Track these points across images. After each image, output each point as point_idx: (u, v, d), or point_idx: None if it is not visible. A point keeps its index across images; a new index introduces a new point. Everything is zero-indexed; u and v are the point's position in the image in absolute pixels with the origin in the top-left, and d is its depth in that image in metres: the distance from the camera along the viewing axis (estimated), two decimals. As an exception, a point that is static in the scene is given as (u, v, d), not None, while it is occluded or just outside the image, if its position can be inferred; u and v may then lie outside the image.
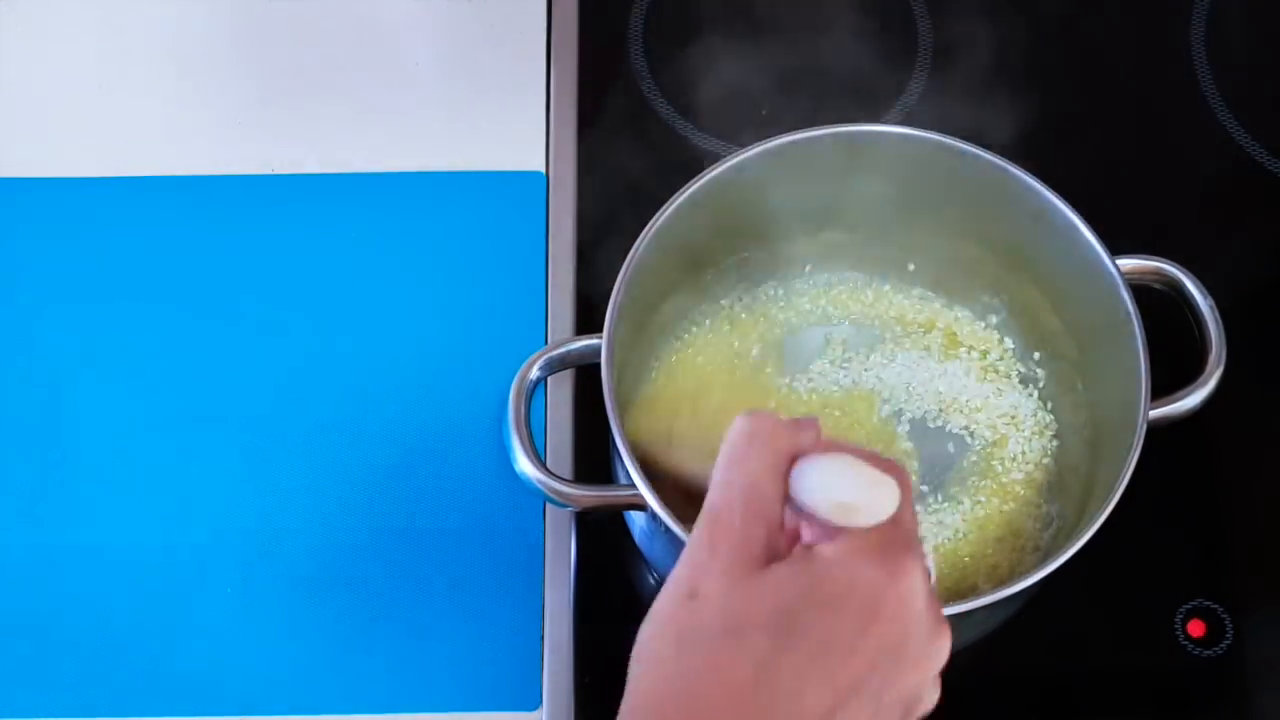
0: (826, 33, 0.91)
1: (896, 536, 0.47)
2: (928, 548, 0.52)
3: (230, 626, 0.75)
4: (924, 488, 0.73)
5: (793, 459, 0.48)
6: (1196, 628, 0.74)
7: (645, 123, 0.87)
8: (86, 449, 0.78)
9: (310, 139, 0.87)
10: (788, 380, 0.76)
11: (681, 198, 0.69)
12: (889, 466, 0.48)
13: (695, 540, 0.47)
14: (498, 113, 0.88)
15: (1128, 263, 0.69)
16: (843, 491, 0.47)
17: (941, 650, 0.49)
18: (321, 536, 0.76)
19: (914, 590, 0.47)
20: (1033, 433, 0.74)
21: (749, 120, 0.85)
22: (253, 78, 0.89)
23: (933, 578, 0.49)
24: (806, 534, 0.48)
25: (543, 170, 0.86)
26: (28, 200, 0.85)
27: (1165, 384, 0.67)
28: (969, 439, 0.74)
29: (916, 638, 0.47)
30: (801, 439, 0.48)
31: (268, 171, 0.86)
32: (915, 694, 0.48)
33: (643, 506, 0.65)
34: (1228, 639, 0.74)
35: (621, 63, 0.89)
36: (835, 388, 0.76)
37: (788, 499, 0.48)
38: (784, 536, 0.48)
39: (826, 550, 0.47)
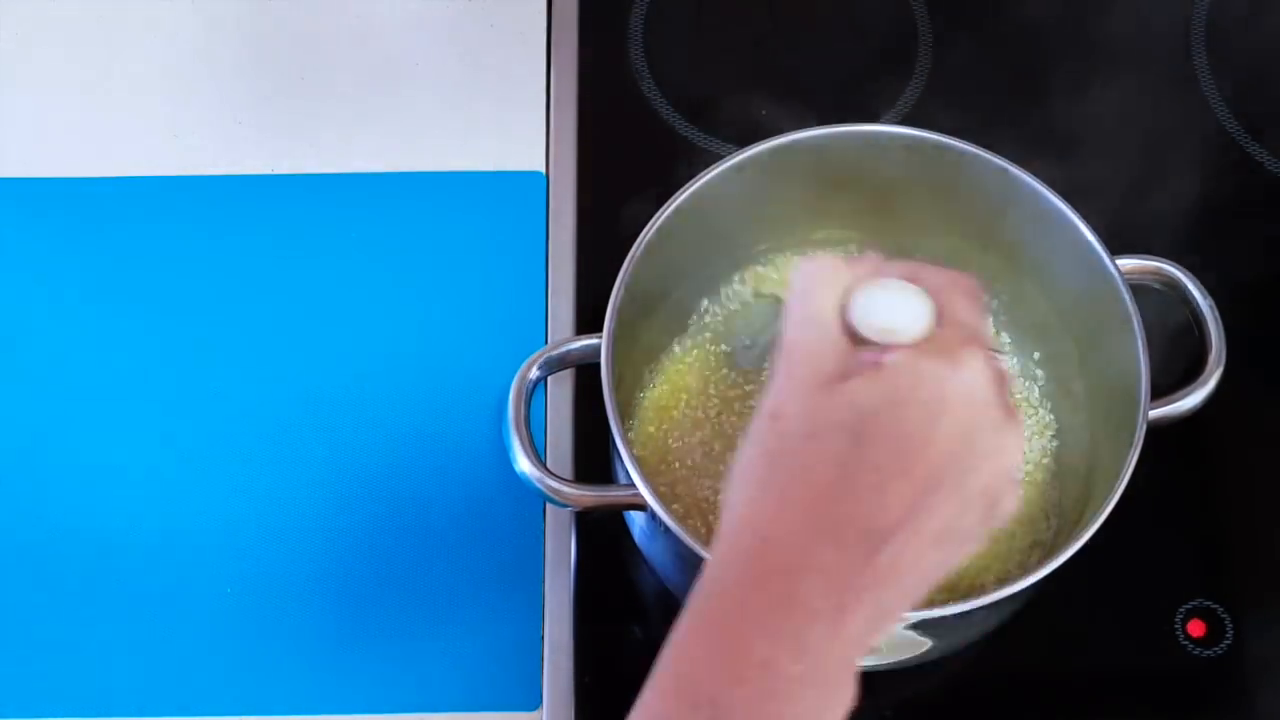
0: (826, 33, 0.91)
1: (955, 335, 0.49)
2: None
3: (229, 626, 0.75)
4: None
5: (849, 291, 0.51)
6: (1196, 628, 0.74)
7: (645, 123, 0.87)
8: (85, 448, 0.78)
9: (311, 139, 0.87)
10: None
11: (681, 197, 0.69)
12: (943, 278, 0.51)
13: (774, 373, 0.51)
14: (498, 113, 0.88)
15: (1127, 262, 0.69)
16: (879, 316, 0.50)
17: (1013, 440, 0.50)
18: (321, 536, 0.76)
19: (976, 379, 0.49)
20: (1033, 433, 0.74)
21: (749, 120, 0.85)
22: (253, 78, 0.89)
23: (1007, 373, 0.51)
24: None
25: (543, 170, 0.86)
26: (28, 200, 0.85)
27: (1165, 384, 0.67)
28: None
29: (985, 426, 0.49)
30: (857, 271, 0.51)
31: (268, 171, 0.86)
32: (995, 485, 0.49)
33: (643, 506, 0.65)
34: (1228, 639, 0.74)
35: (621, 63, 0.89)
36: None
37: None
38: (855, 359, 0.50)
39: (895, 356, 0.49)
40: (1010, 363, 0.76)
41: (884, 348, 0.49)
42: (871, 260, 0.53)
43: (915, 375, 0.48)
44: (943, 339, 0.49)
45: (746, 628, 0.47)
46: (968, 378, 0.49)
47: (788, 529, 0.48)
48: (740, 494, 0.50)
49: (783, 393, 0.50)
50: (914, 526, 0.47)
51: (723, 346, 0.76)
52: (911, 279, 0.51)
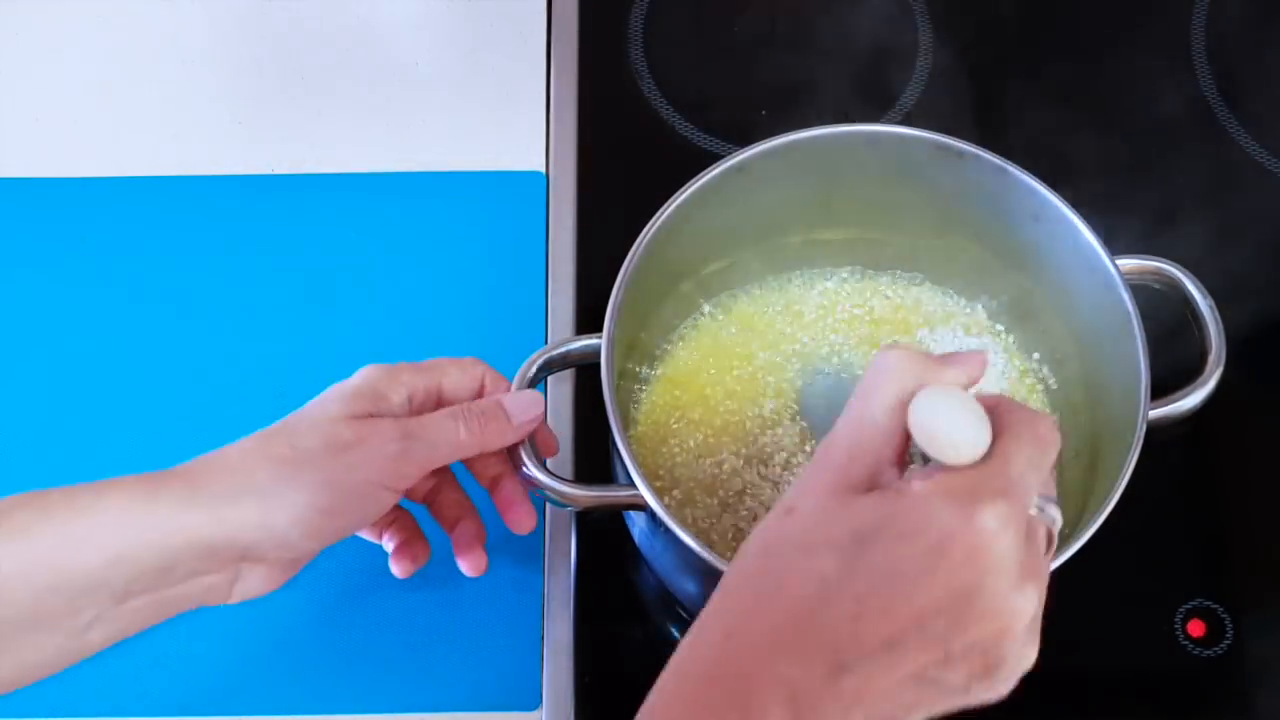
0: (826, 33, 0.91)
1: (988, 482, 0.47)
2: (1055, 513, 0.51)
3: (228, 627, 0.74)
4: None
5: (918, 390, 0.49)
6: (1196, 628, 0.74)
7: (645, 123, 0.87)
8: (86, 448, 0.78)
9: (310, 139, 0.87)
10: (788, 375, 0.75)
11: (681, 197, 0.69)
12: (1022, 416, 0.49)
13: (811, 463, 0.50)
14: (498, 113, 0.88)
15: (1127, 262, 0.69)
16: (935, 422, 0.47)
17: (1025, 604, 0.47)
18: (321, 537, 0.76)
19: (990, 538, 0.46)
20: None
21: (749, 120, 0.85)
22: (253, 78, 0.89)
23: (1054, 536, 0.49)
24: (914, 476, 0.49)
25: (543, 170, 0.86)
26: (28, 200, 0.85)
27: (1165, 384, 0.67)
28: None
29: (991, 589, 0.46)
30: (933, 373, 0.49)
31: (268, 172, 0.86)
32: (995, 649, 0.47)
33: (643, 506, 0.65)
34: (1228, 639, 0.74)
35: (621, 63, 0.89)
36: (836, 384, 0.75)
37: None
38: (894, 472, 0.49)
39: (915, 485, 0.47)
40: (1010, 363, 0.76)
41: (929, 470, 0.47)
42: (962, 366, 0.50)
43: (925, 516, 0.46)
44: (970, 482, 0.47)
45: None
46: (978, 535, 0.46)
47: (755, 633, 0.47)
48: (730, 578, 0.49)
49: (803, 488, 0.49)
50: (886, 664, 0.46)
51: (722, 344, 0.76)
52: (990, 406, 0.49)
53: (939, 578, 0.46)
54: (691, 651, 0.48)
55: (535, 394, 0.66)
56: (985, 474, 0.47)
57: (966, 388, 0.50)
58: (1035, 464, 0.48)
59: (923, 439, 0.48)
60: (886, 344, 0.50)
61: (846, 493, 0.48)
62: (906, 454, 0.49)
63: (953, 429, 0.47)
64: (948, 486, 0.47)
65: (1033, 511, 0.49)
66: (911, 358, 0.49)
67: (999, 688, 0.48)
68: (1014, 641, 0.48)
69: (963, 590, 0.46)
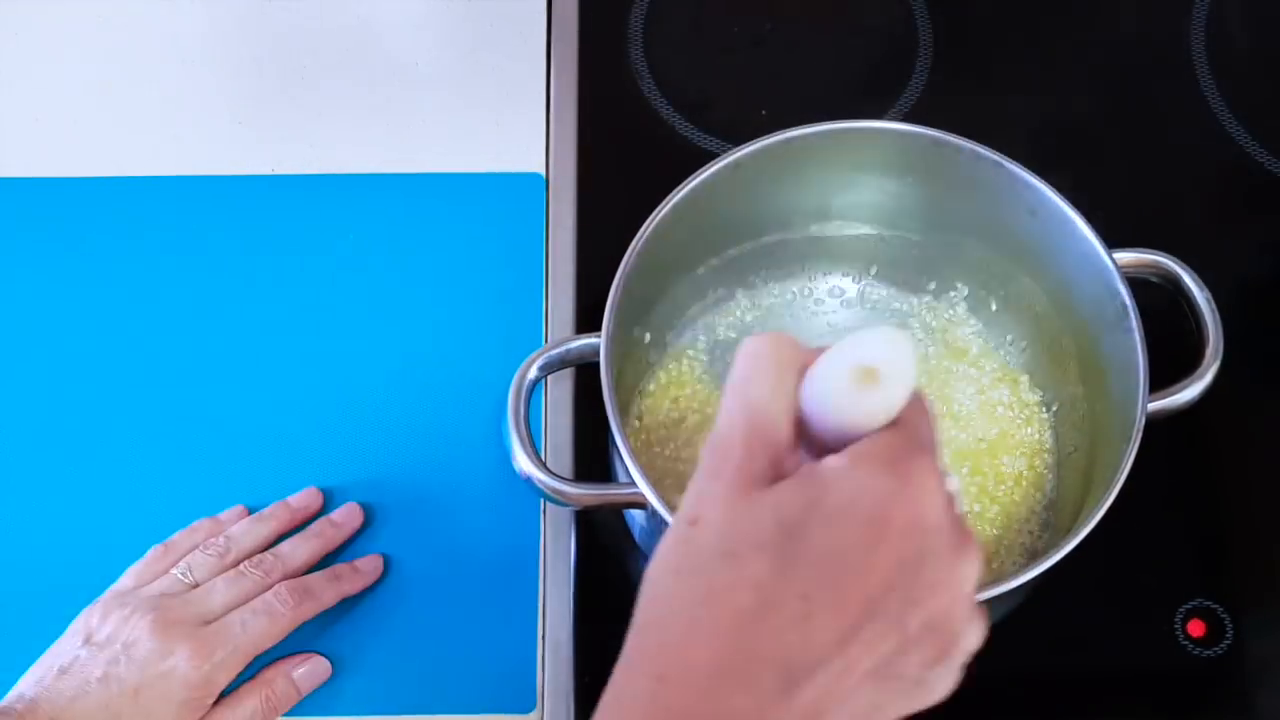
0: (826, 32, 0.91)
1: (905, 441, 0.43)
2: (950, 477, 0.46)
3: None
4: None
5: (802, 373, 0.45)
6: (1196, 628, 0.74)
7: (645, 123, 0.87)
8: (87, 448, 0.78)
9: (311, 139, 0.87)
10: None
11: (679, 196, 0.69)
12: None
13: (699, 470, 0.44)
14: (498, 113, 0.88)
15: (1125, 256, 0.69)
16: (844, 392, 0.43)
17: (968, 570, 0.44)
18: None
19: (928, 498, 0.43)
20: (1030, 427, 0.74)
21: (748, 120, 0.85)
22: (253, 78, 0.89)
23: (956, 494, 0.45)
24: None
25: (543, 170, 0.86)
26: (28, 200, 0.85)
27: (1163, 378, 0.67)
28: (966, 433, 0.74)
29: (936, 554, 0.43)
30: (809, 352, 0.45)
31: (268, 172, 0.86)
32: (948, 624, 0.43)
33: (643, 505, 0.65)
34: (1228, 639, 0.74)
35: (621, 63, 0.89)
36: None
37: (800, 420, 0.45)
38: (795, 459, 0.44)
39: (830, 462, 0.43)
40: (1008, 356, 0.76)
41: (835, 437, 0.43)
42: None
43: (855, 489, 0.42)
44: (890, 446, 0.43)
45: None
46: (916, 497, 0.42)
47: (690, 667, 0.41)
48: (645, 615, 0.43)
49: (703, 495, 0.43)
50: (843, 663, 0.41)
51: (722, 342, 0.76)
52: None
53: (884, 551, 0.42)
54: (619, 702, 0.43)
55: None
56: (901, 436, 0.43)
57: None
58: (932, 426, 0.45)
59: (827, 414, 0.43)
60: (754, 333, 0.46)
61: (754, 487, 0.43)
62: (799, 439, 0.45)
63: (866, 395, 0.43)
64: (868, 454, 0.42)
65: None
66: (783, 338, 0.45)
67: (950, 676, 0.45)
68: (962, 616, 0.44)
69: (910, 560, 0.42)
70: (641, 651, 0.43)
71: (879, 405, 0.43)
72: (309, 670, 0.71)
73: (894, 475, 0.42)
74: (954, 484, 0.46)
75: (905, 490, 0.42)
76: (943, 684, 0.45)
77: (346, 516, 0.73)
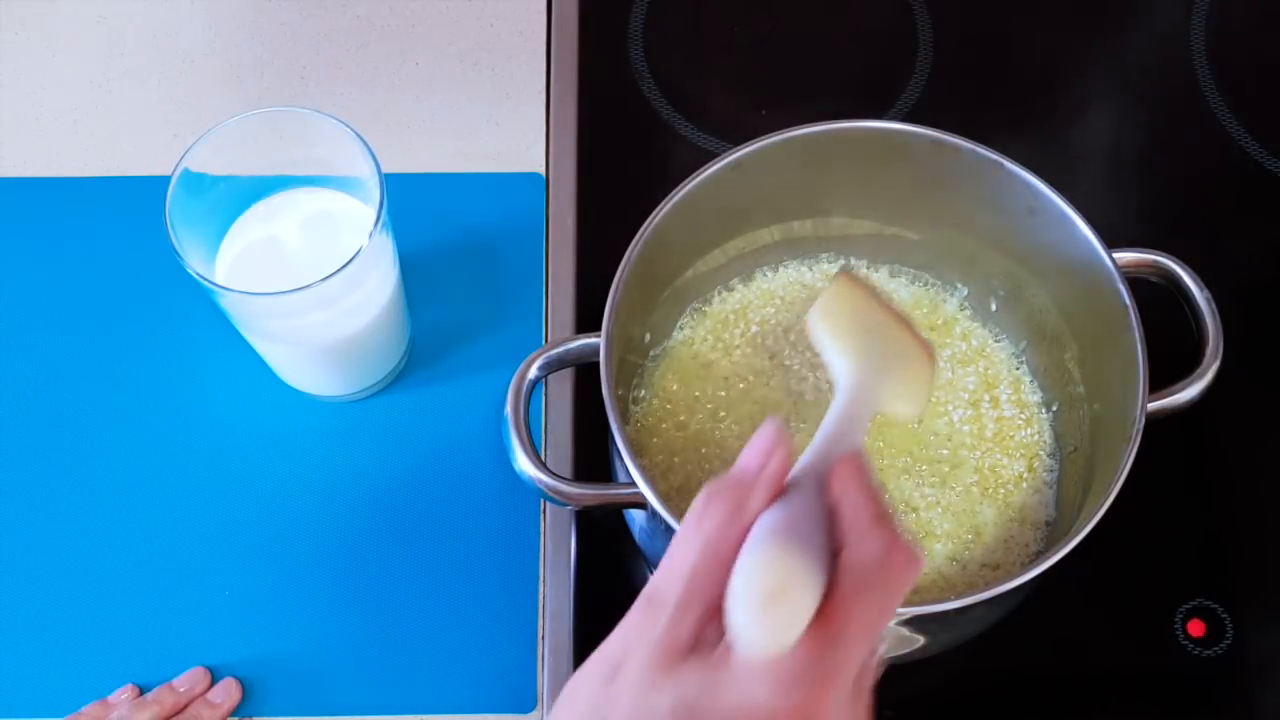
0: (826, 32, 0.91)
1: (811, 665, 0.44)
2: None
3: (228, 628, 0.75)
4: (920, 484, 0.73)
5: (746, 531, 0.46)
6: (1196, 628, 0.74)
7: (645, 123, 0.87)
8: (86, 447, 0.78)
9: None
10: (786, 370, 0.75)
11: (679, 195, 0.69)
12: (869, 550, 0.45)
13: (631, 616, 0.47)
14: (498, 113, 0.88)
15: (1124, 255, 0.69)
16: (743, 610, 0.44)
17: None
18: (319, 538, 0.76)
19: (814, 712, 0.44)
20: (1030, 427, 0.74)
21: (748, 119, 0.85)
22: (253, 78, 0.89)
23: (876, 660, 0.46)
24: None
25: (542, 171, 0.86)
26: (28, 200, 0.85)
27: (1163, 378, 0.67)
28: (965, 432, 0.74)
29: None
30: (750, 510, 0.46)
31: (268, 173, 0.85)
32: None
33: (643, 504, 0.65)
34: (1228, 639, 0.74)
35: (621, 63, 0.89)
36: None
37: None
38: (718, 626, 0.46)
39: (738, 658, 0.45)
40: (1007, 356, 0.76)
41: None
42: (778, 464, 0.47)
43: (746, 698, 0.44)
44: (795, 662, 0.44)
45: None
46: (802, 710, 0.44)
47: None
48: None
49: (628, 649, 0.46)
50: None
51: (723, 340, 0.76)
52: (842, 530, 0.45)
53: None
54: None
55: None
56: (810, 654, 0.44)
57: (774, 495, 0.47)
58: (875, 623, 0.46)
59: (734, 625, 0.44)
60: (709, 482, 0.47)
61: (672, 659, 0.45)
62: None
63: (758, 626, 0.44)
64: (772, 669, 0.44)
65: None
66: (728, 496, 0.47)
67: None
68: None
69: None
70: None
71: (779, 628, 0.44)
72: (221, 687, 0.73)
73: (785, 698, 0.44)
74: (879, 652, 0.47)
75: (792, 709, 0.44)
76: None
77: (225, 694, 0.73)
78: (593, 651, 0.70)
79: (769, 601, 0.44)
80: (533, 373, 0.68)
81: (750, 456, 0.48)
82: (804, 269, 0.78)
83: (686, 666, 0.45)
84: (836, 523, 0.47)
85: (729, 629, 0.45)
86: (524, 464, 0.66)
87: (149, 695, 0.72)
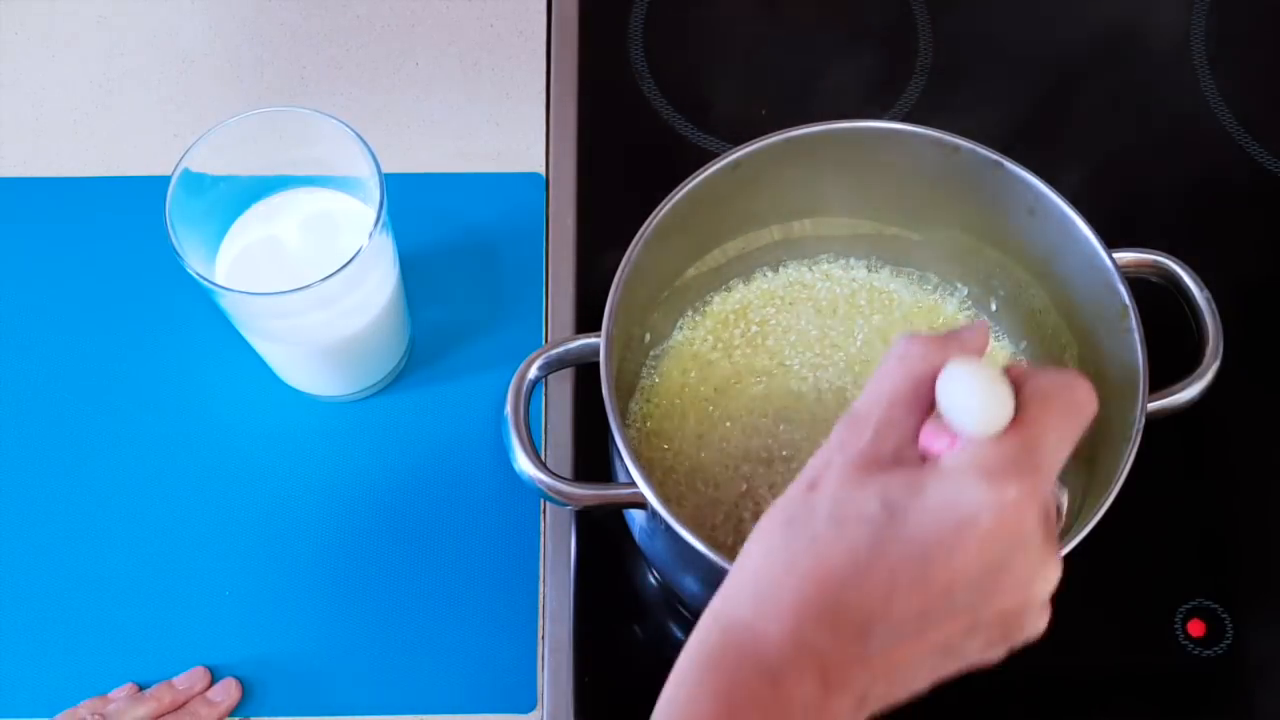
0: (826, 32, 0.91)
1: (1015, 458, 0.47)
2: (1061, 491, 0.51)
3: (228, 628, 0.75)
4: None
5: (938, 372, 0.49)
6: (1196, 628, 0.74)
7: (645, 123, 0.87)
8: (87, 449, 0.79)
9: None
10: (787, 370, 0.75)
11: (679, 195, 0.69)
12: (1052, 384, 0.48)
13: (831, 439, 0.49)
14: (498, 113, 0.88)
15: (1124, 255, 0.69)
16: (960, 396, 0.47)
17: (1047, 580, 0.49)
18: (319, 538, 0.76)
19: (1019, 516, 0.46)
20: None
21: (748, 119, 0.85)
22: (252, 78, 0.89)
23: (1062, 512, 0.49)
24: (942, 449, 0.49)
25: (542, 171, 0.86)
26: (28, 200, 0.85)
27: (1163, 377, 0.67)
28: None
29: (1021, 561, 0.47)
30: (950, 351, 0.49)
31: (268, 173, 0.85)
32: (1017, 619, 0.48)
33: (643, 504, 0.65)
34: (1228, 639, 0.74)
35: (621, 63, 0.89)
36: (832, 377, 0.75)
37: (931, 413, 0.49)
38: (914, 451, 0.49)
39: (945, 460, 0.47)
40: (1007, 356, 0.76)
41: (950, 437, 0.48)
42: (968, 340, 0.50)
43: (955, 491, 0.46)
44: (1006, 456, 0.47)
45: (729, 707, 0.46)
46: (1010, 512, 0.46)
47: (784, 603, 0.47)
48: (756, 550, 0.49)
49: (826, 463, 0.49)
50: (916, 634, 0.46)
51: (723, 340, 0.76)
52: (1018, 376, 0.49)
53: (970, 552, 0.46)
54: (715, 625, 0.48)
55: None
56: (1015, 448, 0.47)
57: (968, 351, 0.50)
58: (1066, 436, 0.48)
59: (950, 413, 0.48)
60: (904, 333, 0.51)
61: (872, 468, 0.48)
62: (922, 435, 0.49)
63: (977, 403, 0.47)
64: (978, 462, 0.47)
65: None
66: (929, 339, 0.50)
67: (1005, 651, 0.49)
68: (1033, 614, 0.49)
69: (993, 564, 0.46)
70: (742, 581, 0.48)
71: (976, 430, 0.47)
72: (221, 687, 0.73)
73: (993, 489, 0.46)
74: (1063, 499, 0.50)
75: (1000, 504, 0.46)
76: (995, 657, 0.49)
77: (224, 693, 0.73)
78: (593, 651, 0.71)
79: (981, 381, 0.47)
80: (532, 373, 0.68)
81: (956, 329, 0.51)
82: (804, 269, 0.78)
83: (889, 473, 0.47)
84: (1031, 382, 0.49)
85: (943, 411, 0.48)
86: (524, 464, 0.66)
87: (148, 691, 0.72)
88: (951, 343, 0.50)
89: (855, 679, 0.46)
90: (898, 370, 0.49)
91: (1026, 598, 0.48)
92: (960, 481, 0.46)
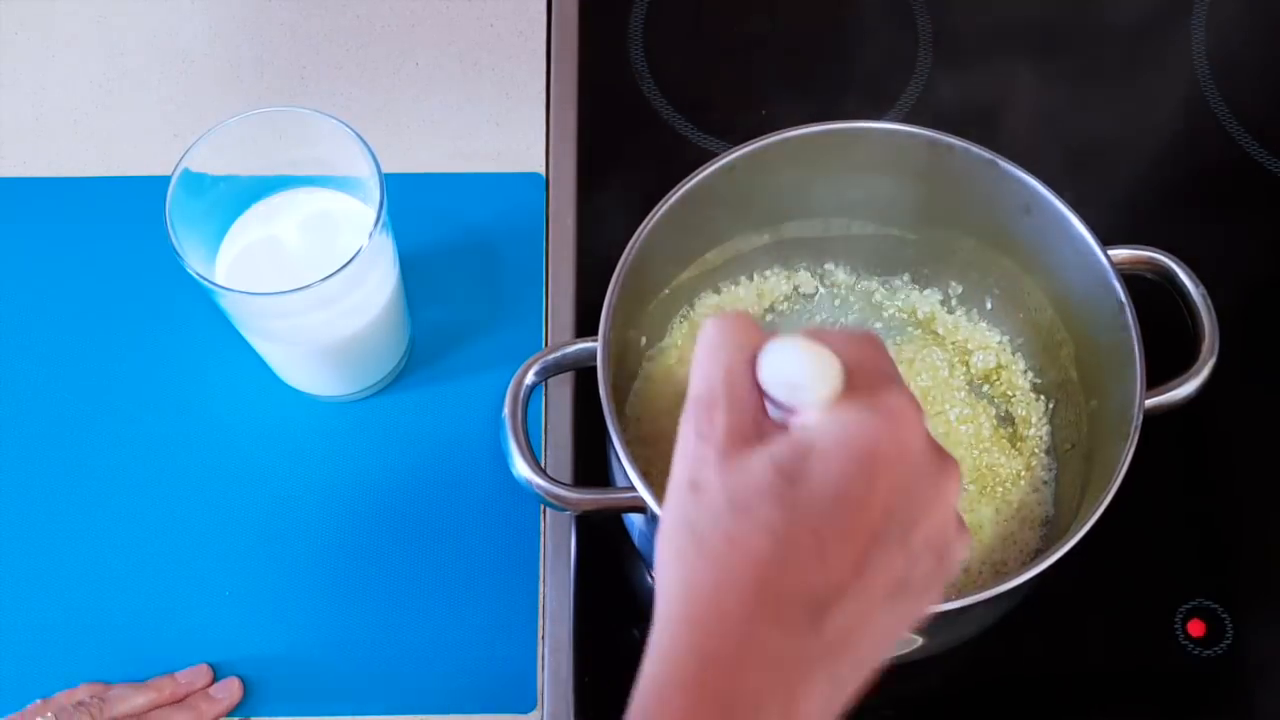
0: (826, 32, 0.91)
1: (872, 383, 0.46)
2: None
3: (227, 628, 0.75)
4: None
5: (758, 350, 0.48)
6: (1196, 628, 0.74)
7: (645, 123, 0.87)
8: (87, 449, 0.79)
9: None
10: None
11: (675, 197, 0.69)
12: (845, 336, 0.48)
13: (684, 434, 0.47)
14: (498, 113, 0.88)
15: (1119, 253, 0.69)
16: (788, 372, 0.46)
17: (951, 485, 0.47)
18: (319, 538, 0.77)
19: (907, 426, 0.46)
20: (1028, 425, 0.74)
21: (748, 119, 0.85)
22: (253, 78, 0.89)
23: (923, 416, 0.48)
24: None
25: (542, 171, 0.86)
26: (28, 200, 0.85)
27: (1160, 374, 0.67)
28: (963, 431, 0.74)
29: (923, 474, 0.46)
30: (757, 332, 0.48)
31: (268, 173, 0.85)
32: (941, 537, 0.47)
33: (642, 509, 0.65)
34: (1228, 639, 0.74)
35: (621, 63, 0.89)
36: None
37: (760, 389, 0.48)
38: (769, 421, 0.47)
39: (810, 417, 0.46)
40: (1004, 354, 0.76)
41: (793, 409, 0.46)
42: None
43: (840, 428, 0.45)
44: (860, 384, 0.46)
45: None
46: (898, 424, 0.45)
47: (724, 614, 0.44)
48: (670, 574, 0.46)
49: (698, 459, 0.46)
50: (861, 586, 0.45)
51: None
52: (815, 335, 0.47)
53: (879, 481, 0.45)
54: (660, 665, 0.45)
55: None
56: (864, 376, 0.46)
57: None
58: (888, 360, 0.48)
59: (784, 388, 0.47)
60: (712, 317, 0.49)
61: (743, 445, 0.46)
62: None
63: (814, 369, 0.46)
64: (846, 400, 0.46)
65: None
66: (743, 316, 0.49)
67: (949, 573, 0.48)
68: (953, 527, 0.48)
69: (902, 485, 0.45)
70: (674, 605, 0.45)
71: (810, 399, 0.46)
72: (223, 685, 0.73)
73: (873, 410, 0.45)
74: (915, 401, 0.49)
75: (887, 422, 0.45)
76: (934, 595, 0.48)
77: (226, 691, 0.73)
78: (593, 651, 0.71)
79: (807, 350, 0.46)
80: (530, 378, 0.68)
81: None
82: (802, 269, 0.78)
83: (772, 442, 0.46)
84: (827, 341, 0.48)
85: (780, 390, 0.46)
86: (522, 469, 0.66)
87: (149, 681, 0.72)
88: (752, 324, 0.49)
89: (819, 669, 0.44)
90: (723, 348, 0.48)
91: (942, 511, 0.47)
92: (842, 418, 0.45)
